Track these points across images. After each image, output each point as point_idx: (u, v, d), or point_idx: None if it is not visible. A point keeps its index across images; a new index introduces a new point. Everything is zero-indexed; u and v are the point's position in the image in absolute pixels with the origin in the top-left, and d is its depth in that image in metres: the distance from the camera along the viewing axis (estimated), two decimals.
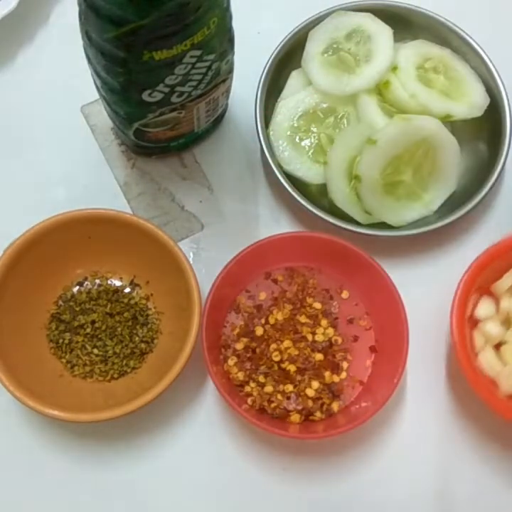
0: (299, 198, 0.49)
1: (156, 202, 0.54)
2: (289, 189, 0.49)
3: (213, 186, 0.54)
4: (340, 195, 0.50)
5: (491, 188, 0.50)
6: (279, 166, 0.50)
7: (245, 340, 0.49)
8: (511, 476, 0.49)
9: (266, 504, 0.48)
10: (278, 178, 0.49)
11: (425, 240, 0.52)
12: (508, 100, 0.51)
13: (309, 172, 0.51)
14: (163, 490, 0.48)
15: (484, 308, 0.48)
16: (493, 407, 0.44)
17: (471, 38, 0.53)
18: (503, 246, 0.47)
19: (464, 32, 0.53)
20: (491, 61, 0.52)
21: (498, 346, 0.48)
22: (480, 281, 0.46)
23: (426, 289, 0.51)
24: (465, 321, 0.46)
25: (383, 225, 0.51)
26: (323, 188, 0.51)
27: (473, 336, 0.47)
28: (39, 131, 0.55)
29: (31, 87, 0.56)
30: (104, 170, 0.54)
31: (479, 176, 0.51)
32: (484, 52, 0.52)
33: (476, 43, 0.53)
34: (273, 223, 0.53)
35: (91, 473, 0.48)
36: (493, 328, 0.47)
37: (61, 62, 0.55)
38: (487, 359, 0.46)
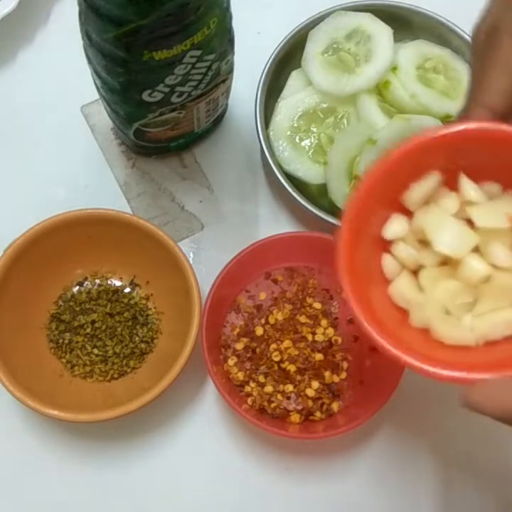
0: (298, 198, 0.49)
1: (156, 202, 0.54)
2: (289, 189, 0.49)
3: (213, 186, 0.54)
4: (340, 195, 0.50)
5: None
6: (279, 166, 0.50)
7: (245, 340, 0.49)
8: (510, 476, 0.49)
9: (266, 504, 0.48)
10: (278, 178, 0.49)
11: None
12: None
13: (309, 172, 0.51)
14: (164, 490, 0.48)
15: (394, 226, 0.36)
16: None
17: (470, 37, 0.53)
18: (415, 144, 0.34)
19: (464, 32, 0.53)
20: None
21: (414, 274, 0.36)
22: (384, 193, 0.35)
23: None
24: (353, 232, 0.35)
25: None
26: (323, 188, 0.51)
27: (384, 261, 0.37)
28: (39, 131, 0.55)
29: (31, 87, 0.56)
30: (104, 170, 0.54)
31: None
32: None
33: None
34: (273, 223, 0.53)
35: (91, 473, 0.48)
36: (405, 248, 0.36)
37: (61, 62, 0.55)
38: (401, 287, 0.36)
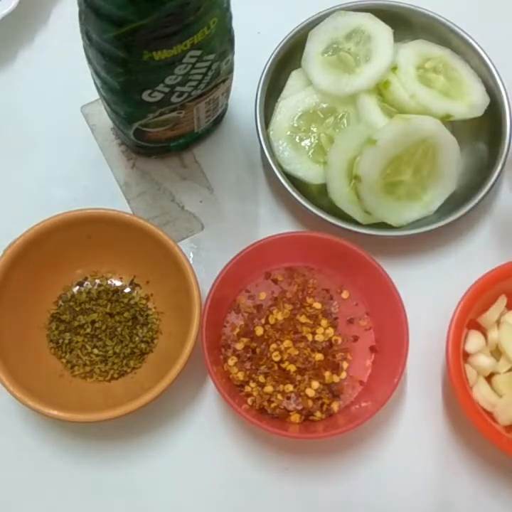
0: (299, 198, 0.49)
1: (156, 202, 0.54)
2: (289, 189, 0.49)
3: (213, 186, 0.54)
4: (340, 195, 0.50)
5: (490, 188, 0.50)
6: (279, 166, 0.50)
7: (245, 340, 0.49)
8: (509, 476, 0.49)
9: (265, 504, 0.48)
10: (278, 178, 0.49)
11: (425, 239, 0.52)
12: (508, 100, 0.51)
13: (309, 172, 0.51)
14: (163, 490, 0.48)
15: (473, 341, 0.47)
16: (495, 444, 0.44)
17: (471, 37, 0.53)
18: (490, 279, 0.47)
19: (464, 32, 0.53)
20: (490, 61, 0.52)
21: (489, 378, 0.48)
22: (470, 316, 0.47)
23: (426, 289, 0.51)
24: (460, 357, 0.46)
25: (383, 225, 0.51)
26: (323, 188, 0.51)
27: (466, 370, 0.47)
28: (39, 131, 0.55)
29: (31, 87, 0.56)
30: (104, 170, 0.54)
31: (479, 175, 0.51)
32: (484, 52, 0.52)
33: (476, 43, 0.53)
34: (273, 223, 0.53)
35: (91, 473, 0.48)
36: (484, 360, 0.47)
37: (61, 62, 0.55)
38: (481, 393, 0.46)
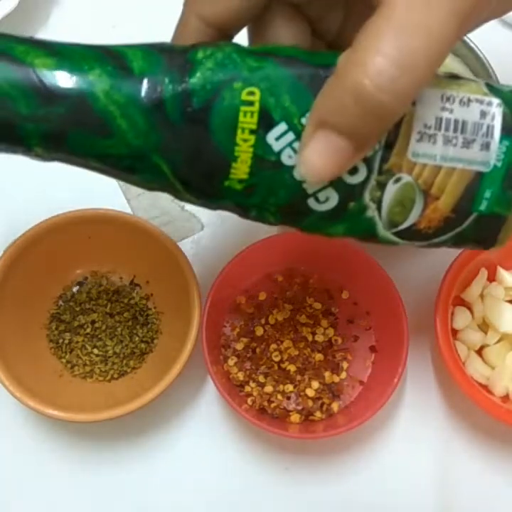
0: None
1: (156, 202, 0.54)
2: None
3: None
4: None
5: None
6: None
7: (245, 340, 0.49)
8: (511, 474, 0.49)
9: (265, 504, 0.48)
10: None
11: None
12: None
13: None
14: (164, 490, 0.48)
15: (460, 317, 0.48)
16: (496, 417, 0.45)
17: (470, 40, 0.53)
18: (468, 253, 0.47)
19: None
20: (489, 65, 0.52)
21: (480, 351, 0.48)
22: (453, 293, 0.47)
23: (426, 289, 0.51)
24: (449, 335, 0.46)
25: None
26: None
27: (456, 347, 0.47)
28: None
29: None
30: None
31: None
32: (484, 55, 0.52)
33: (476, 46, 0.53)
34: None
35: (91, 473, 0.48)
36: (473, 335, 0.48)
37: None
38: (474, 367, 0.47)
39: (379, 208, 0.29)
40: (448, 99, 0.28)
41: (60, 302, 0.50)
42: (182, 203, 0.54)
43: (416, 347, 0.49)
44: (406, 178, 0.28)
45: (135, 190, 0.54)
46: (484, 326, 0.49)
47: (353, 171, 0.28)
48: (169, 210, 0.53)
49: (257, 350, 0.49)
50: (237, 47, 0.28)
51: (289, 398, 0.48)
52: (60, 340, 0.49)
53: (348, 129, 0.25)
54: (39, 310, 0.50)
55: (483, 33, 0.52)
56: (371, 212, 0.29)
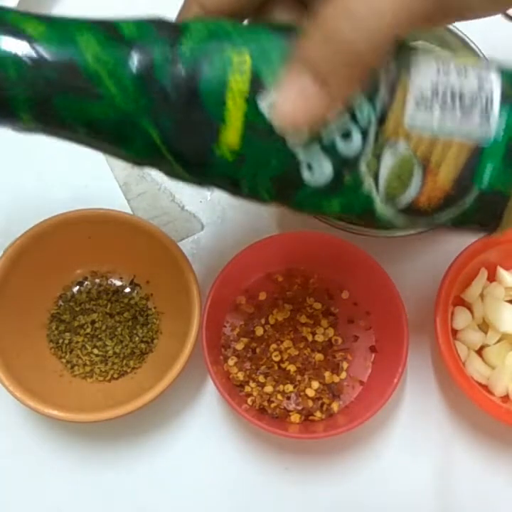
0: None
1: (156, 202, 0.54)
2: None
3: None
4: None
5: None
6: None
7: (245, 340, 0.49)
8: (510, 474, 0.49)
9: (265, 504, 0.48)
10: None
11: (425, 239, 0.52)
12: None
13: None
14: (164, 490, 0.48)
15: (460, 317, 0.48)
16: (496, 417, 0.45)
17: (470, 40, 0.53)
18: (468, 254, 0.47)
19: (464, 34, 0.53)
20: None
21: (480, 351, 0.48)
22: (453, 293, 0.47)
23: (426, 289, 0.51)
24: (450, 335, 0.46)
25: None
26: None
27: (456, 347, 0.47)
28: None
29: None
30: (104, 170, 0.54)
31: None
32: (483, 55, 0.52)
33: (476, 46, 0.53)
34: (273, 223, 0.53)
35: (91, 473, 0.48)
36: (473, 335, 0.48)
37: None
38: (474, 367, 0.47)
39: (376, 181, 0.28)
40: (444, 67, 0.27)
41: (60, 302, 0.50)
42: (182, 203, 0.54)
43: (416, 347, 0.49)
44: (403, 148, 0.27)
45: (135, 190, 0.54)
46: (484, 326, 0.49)
47: (347, 138, 0.27)
48: (169, 210, 0.53)
49: (257, 350, 0.49)
50: (230, 21, 0.28)
51: (289, 398, 0.48)
52: (60, 340, 0.49)
53: (320, 71, 0.25)
54: (39, 310, 0.50)
55: (483, 32, 0.53)
56: (368, 185, 0.28)
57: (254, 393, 0.47)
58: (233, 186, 0.29)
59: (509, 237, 0.48)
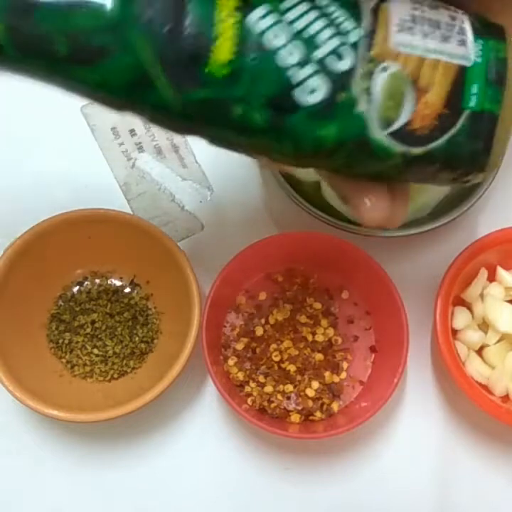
0: (298, 198, 0.49)
1: (156, 202, 0.54)
2: (289, 189, 0.49)
3: (213, 186, 0.54)
4: (333, 193, 0.50)
5: (485, 190, 0.50)
6: None
7: (245, 340, 0.49)
8: (510, 474, 0.49)
9: (265, 504, 0.48)
10: (277, 177, 0.49)
11: (425, 239, 0.52)
12: None
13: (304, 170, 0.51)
14: (164, 490, 0.48)
15: (460, 317, 0.48)
16: (496, 417, 0.45)
17: None
18: (468, 254, 0.47)
19: None
20: None
21: (480, 351, 0.48)
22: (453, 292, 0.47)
23: (426, 289, 0.51)
24: (450, 335, 0.46)
25: None
26: (318, 186, 0.51)
27: (456, 347, 0.47)
28: (39, 131, 0.54)
29: (31, 87, 0.55)
30: (104, 170, 0.54)
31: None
32: None
33: None
34: (273, 223, 0.53)
35: (91, 473, 0.48)
36: (473, 335, 0.48)
37: None
38: (474, 367, 0.47)
39: (370, 101, 0.28)
40: (417, 1, 0.29)
41: (60, 302, 0.50)
42: (182, 203, 0.54)
43: (416, 347, 0.49)
44: (393, 67, 0.28)
45: (135, 190, 0.54)
46: (484, 326, 0.49)
47: (339, 56, 0.28)
48: (169, 210, 0.53)
49: (257, 350, 0.49)
50: None
51: (289, 398, 0.48)
52: (60, 340, 0.49)
53: None
54: (39, 310, 0.50)
55: None
56: (362, 105, 0.28)
57: (254, 393, 0.47)
58: (224, 112, 0.28)
59: (509, 237, 0.48)
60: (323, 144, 0.29)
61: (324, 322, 0.49)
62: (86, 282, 0.51)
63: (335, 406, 0.48)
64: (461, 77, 0.29)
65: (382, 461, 0.49)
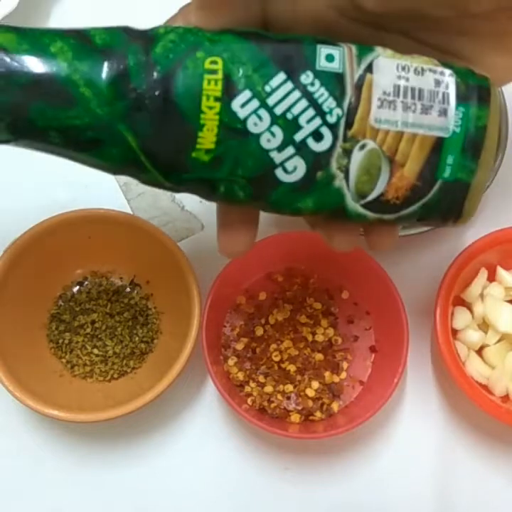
0: None
1: (156, 202, 0.54)
2: None
3: None
4: None
5: (485, 190, 0.50)
6: None
7: (245, 340, 0.49)
8: (510, 474, 0.49)
9: (265, 504, 0.48)
10: None
11: (425, 239, 0.52)
12: (505, 104, 0.51)
13: None
14: (164, 490, 0.48)
15: (460, 317, 0.48)
16: (496, 417, 0.45)
17: None
18: (468, 254, 0.47)
19: None
20: None
21: (480, 351, 0.48)
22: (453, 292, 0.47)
23: (426, 289, 0.51)
24: (450, 335, 0.46)
25: None
26: None
27: (456, 347, 0.47)
28: None
29: None
30: None
31: None
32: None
33: None
34: (273, 223, 0.53)
35: (91, 473, 0.48)
36: (473, 335, 0.48)
37: None
38: (474, 367, 0.47)
39: (346, 177, 0.30)
40: (403, 68, 0.29)
41: (60, 302, 0.50)
42: (182, 203, 0.54)
43: (416, 347, 0.49)
44: (371, 144, 0.29)
45: (135, 190, 0.54)
46: (484, 326, 0.49)
47: (319, 137, 0.29)
48: (169, 210, 0.53)
49: (257, 350, 0.49)
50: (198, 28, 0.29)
51: (289, 398, 0.48)
52: (60, 340, 0.49)
53: None
54: (39, 310, 0.50)
55: None
56: (339, 181, 0.30)
57: (254, 393, 0.47)
58: (210, 189, 0.30)
59: (509, 237, 0.48)
60: (302, 212, 0.31)
61: (324, 322, 0.49)
62: (86, 282, 0.51)
63: (335, 406, 0.48)
64: (437, 148, 0.30)
65: (382, 461, 0.49)
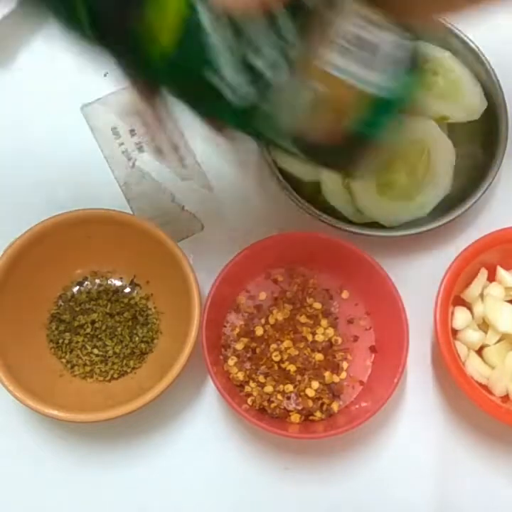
0: (298, 198, 0.49)
1: (156, 202, 0.54)
2: (289, 189, 0.49)
3: (213, 186, 0.54)
4: (333, 193, 0.50)
5: (485, 190, 0.50)
6: (274, 163, 0.50)
7: (245, 340, 0.49)
8: (510, 474, 0.49)
9: (265, 504, 0.48)
10: (278, 177, 0.49)
11: (425, 239, 0.52)
12: (505, 105, 0.51)
13: (303, 168, 0.51)
14: (164, 490, 0.48)
15: (460, 317, 0.48)
16: (496, 417, 0.45)
17: (471, 41, 0.53)
18: (468, 254, 0.47)
19: (464, 35, 0.53)
20: (489, 65, 0.52)
21: (479, 351, 0.48)
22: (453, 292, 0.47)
23: (426, 289, 0.51)
24: (450, 335, 0.46)
25: (380, 225, 0.51)
26: (317, 187, 0.51)
27: (456, 347, 0.47)
28: (39, 131, 0.54)
29: (31, 87, 0.56)
30: (104, 170, 0.54)
31: (474, 178, 0.51)
32: (484, 56, 0.52)
33: (476, 47, 0.53)
34: (273, 223, 0.53)
35: (91, 473, 0.48)
36: (472, 334, 0.48)
37: (61, 62, 0.55)
38: (474, 367, 0.47)
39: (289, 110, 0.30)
40: (365, 19, 0.30)
41: (60, 302, 0.50)
42: (182, 203, 0.54)
43: (416, 347, 0.49)
44: (312, 85, 0.30)
45: (135, 190, 0.54)
46: (484, 326, 0.49)
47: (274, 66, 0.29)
48: (169, 210, 0.53)
49: (257, 350, 0.49)
50: None
51: (289, 398, 0.48)
52: (60, 340, 0.49)
53: None
54: (39, 310, 0.50)
55: (483, 34, 0.53)
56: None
57: (254, 393, 0.47)
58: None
59: (509, 237, 0.48)
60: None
61: (324, 322, 0.49)
62: (86, 282, 0.51)
63: (335, 406, 0.48)
64: (371, 104, 0.30)
65: (382, 461, 0.49)
